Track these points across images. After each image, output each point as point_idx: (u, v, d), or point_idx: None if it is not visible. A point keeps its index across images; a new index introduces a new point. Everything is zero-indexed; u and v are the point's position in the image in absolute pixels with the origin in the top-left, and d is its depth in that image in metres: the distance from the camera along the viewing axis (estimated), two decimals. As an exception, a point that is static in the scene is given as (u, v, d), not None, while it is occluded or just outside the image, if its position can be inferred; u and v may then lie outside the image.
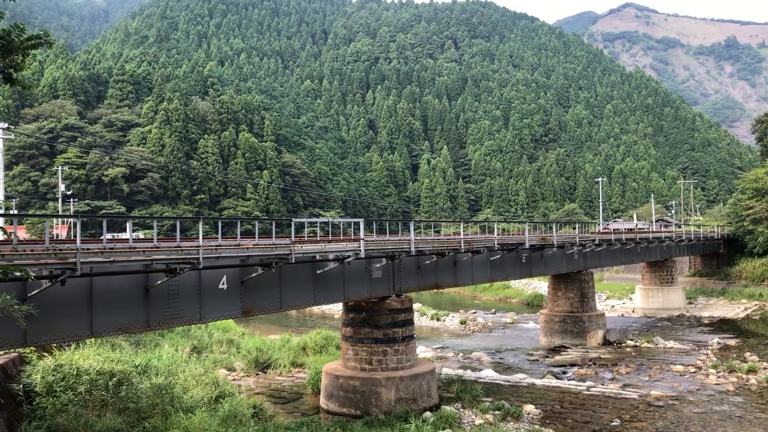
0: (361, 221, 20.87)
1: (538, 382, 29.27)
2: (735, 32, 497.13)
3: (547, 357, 35.96)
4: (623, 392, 27.09)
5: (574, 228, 40.36)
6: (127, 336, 26.40)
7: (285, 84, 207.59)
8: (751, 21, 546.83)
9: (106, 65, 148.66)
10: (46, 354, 18.55)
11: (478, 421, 22.01)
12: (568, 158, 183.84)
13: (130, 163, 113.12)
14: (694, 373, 30.68)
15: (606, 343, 38.84)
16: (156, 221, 15.19)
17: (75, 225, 13.53)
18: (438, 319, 50.51)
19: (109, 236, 14.61)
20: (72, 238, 14.92)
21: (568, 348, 38.29)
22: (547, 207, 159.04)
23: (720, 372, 30.42)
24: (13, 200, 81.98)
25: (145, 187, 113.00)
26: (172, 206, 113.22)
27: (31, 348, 18.05)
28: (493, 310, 57.92)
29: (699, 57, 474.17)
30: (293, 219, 18.80)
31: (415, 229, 24.15)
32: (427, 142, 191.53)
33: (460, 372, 30.62)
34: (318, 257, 20.16)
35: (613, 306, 59.04)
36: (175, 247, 15.16)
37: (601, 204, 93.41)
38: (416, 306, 49.17)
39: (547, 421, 22.91)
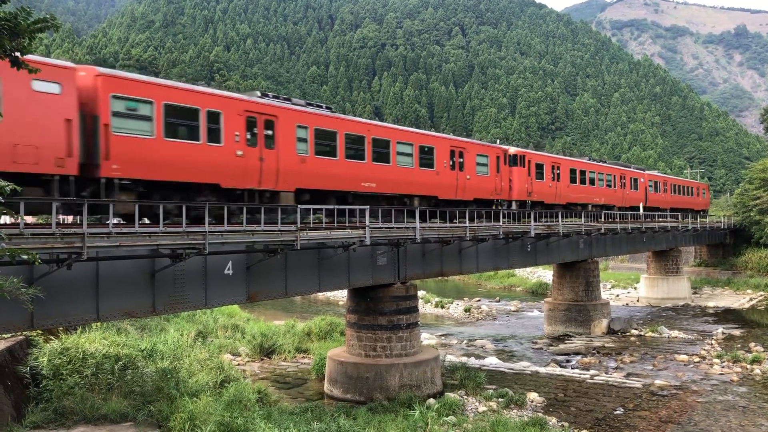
0: (367, 208, 20.83)
1: (542, 370, 29.35)
2: (745, 21, 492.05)
3: (551, 345, 36.02)
4: (627, 381, 27.15)
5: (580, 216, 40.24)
6: (133, 320, 26.55)
7: (291, 70, 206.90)
8: (761, 9, 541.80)
9: (113, 50, 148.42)
10: (52, 337, 18.67)
11: (482, 408, 22.09)
12: (574, 146, 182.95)
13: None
14: (698, 362, 30.70)
15: (610, 332, 38.86)
16: (162, 206, 15.18)
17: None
18: (442, 307, 50.60)
19: (115, 221, 14.64)
20: (78, 222, 14.97)
21: (572, 336, 38.33)
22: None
23: (724, 362, 30.42)
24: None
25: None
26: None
27: (38, 331, 18.17)
28: (497, 298, 57.97)
29: (708, 45, 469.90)
30: (299, 205, 18.74)
31: (420, 217, 24.05)
32: (433, 129, 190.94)
33: (464, 359, 30.72)
34: (323, 244, 20.17)
35: (617, 295, 59.01)
36: (181, 232, 15.18)
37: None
38: (421, 293, 49.23)
39: (551, 409, 22.98)
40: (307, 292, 21.96)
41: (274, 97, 22.17)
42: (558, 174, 38.18)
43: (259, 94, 21.82)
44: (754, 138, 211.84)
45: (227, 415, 15.58)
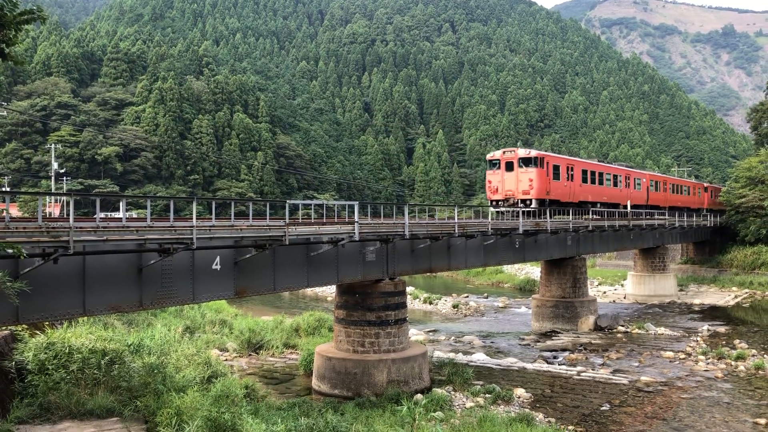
0: (356, 204, 20.83)
1: (529, 366, 29.47)
2: (732, 20, 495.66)
3: (539, 342, 36.17)
4: (613, 377, 27.32)
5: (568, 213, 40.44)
6: (120, 315, 26.40)
7: (280, 65, 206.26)
8: (748, 9, 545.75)
9: (100, 43, 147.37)
10: (38, 332, 18.52)
11: (469, 404, 22.15)
12: (563, 144, 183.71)
13: (124, 142, 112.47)
14: (683, 359, 30.94)
15: (597, 328, 39.09)
16: (149, 201, 15.09)
17: (68, 203, 13.48)
18: (431, 303, 50.69)
19: (102, 215, 14.53)
20: (65, 216, 14.84)
21: (560, 333, 38.52)
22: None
23: (709, 359, 30.68)
24: (6, 178, 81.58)
25: (139, 167, 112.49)
26: (166, 186, 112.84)
27: (23, 326, 18.02)
28: (485, 294, 58.15)
29: (696, 44, 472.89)
30: (287, 201, 18.72)
31: (409, 213, 24.13)
32: (422, 125, 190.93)
33: (452, 355, 30.79)
34: (312, 239, 20.14)
35: (605, 292, 59.34)
36: (169, 227, 15.10)
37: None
38: (409, 289, 49.31)
39: (538, 405, 23.10)
40: (296, 287, 21.93)
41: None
42: None
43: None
44: (741, 137, 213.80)
45: (214, 410, 15.53)
